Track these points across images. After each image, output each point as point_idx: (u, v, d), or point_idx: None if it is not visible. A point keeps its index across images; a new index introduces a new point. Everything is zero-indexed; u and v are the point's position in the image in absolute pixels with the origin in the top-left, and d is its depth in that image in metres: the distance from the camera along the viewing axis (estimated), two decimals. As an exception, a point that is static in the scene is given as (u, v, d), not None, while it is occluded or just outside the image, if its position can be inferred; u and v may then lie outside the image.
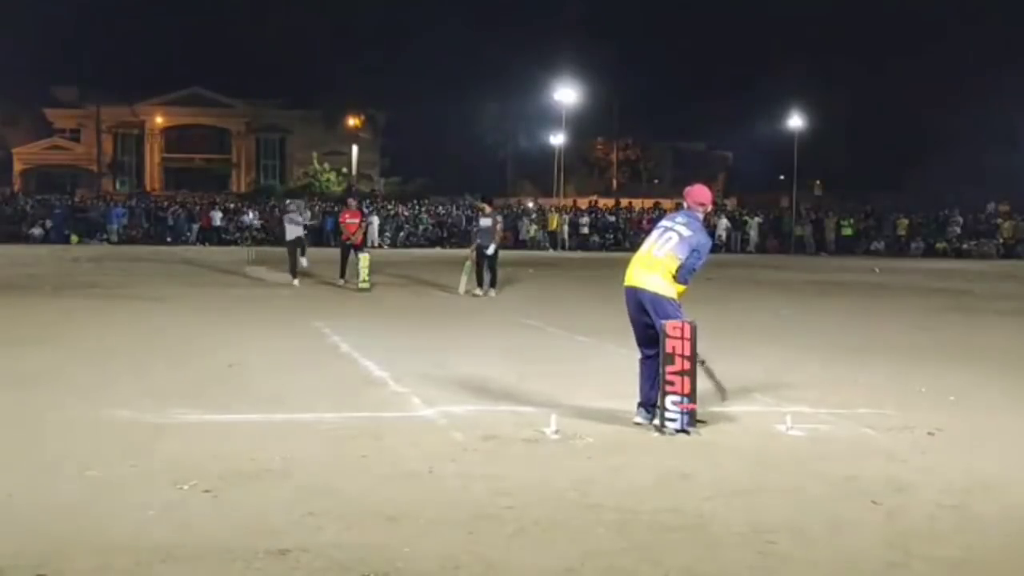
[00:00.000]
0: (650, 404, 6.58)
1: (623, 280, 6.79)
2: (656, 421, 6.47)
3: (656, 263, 6.65)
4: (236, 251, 32.35)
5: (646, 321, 6.60)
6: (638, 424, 6.63)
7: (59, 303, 14.78)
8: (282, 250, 19.31)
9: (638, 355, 6.75)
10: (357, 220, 18.89)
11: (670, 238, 6.70)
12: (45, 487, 5.07)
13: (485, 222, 16.86)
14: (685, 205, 7.03)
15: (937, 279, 23.71)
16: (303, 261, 18.31)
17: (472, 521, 4.60)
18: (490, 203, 18.46)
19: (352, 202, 20.73)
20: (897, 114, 55.14)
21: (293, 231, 18.42)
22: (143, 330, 11.60)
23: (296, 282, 17.81)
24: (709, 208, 7.21)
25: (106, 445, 5.92)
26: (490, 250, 16.53)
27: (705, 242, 6.78)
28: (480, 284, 16.52)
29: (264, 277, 20.03)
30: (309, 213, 18.52)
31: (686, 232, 6.69)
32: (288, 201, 22.87)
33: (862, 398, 7.85)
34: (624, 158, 63.42)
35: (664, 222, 6.95)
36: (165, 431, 6.32)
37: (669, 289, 6.61)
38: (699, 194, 6.96)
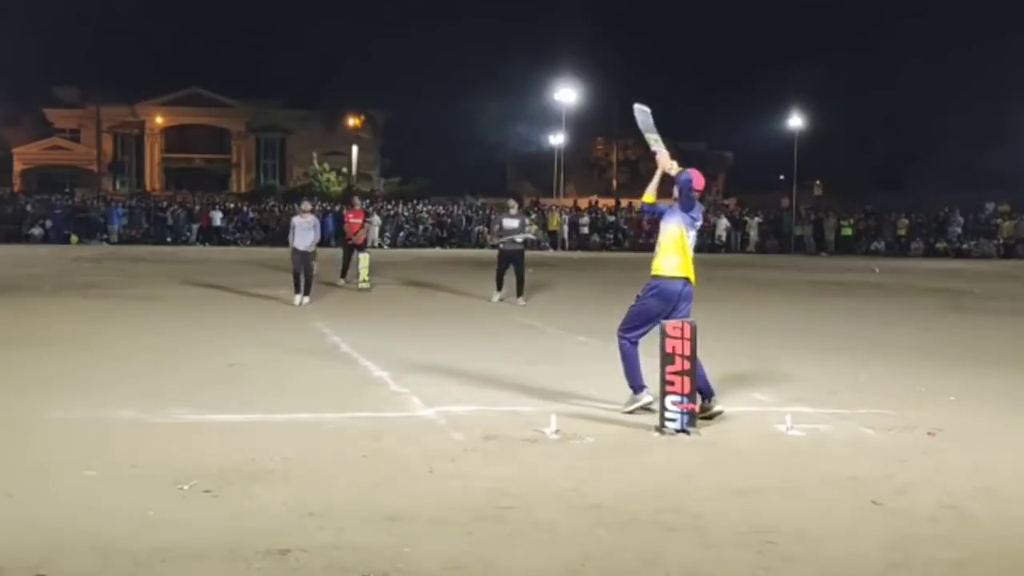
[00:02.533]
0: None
1: (690, 276, 6.88)
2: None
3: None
4: (236, 251, 32.37)
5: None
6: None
7: (59, 303, 14.78)
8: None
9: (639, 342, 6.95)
10: (360, 220, 18.91)
11: (694, 235, 6.97)
12: (45, 487, 5.07)
13: (510, 223, 15.35)
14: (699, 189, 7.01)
15: (937, 279, 23.71)
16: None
17: (472, 521, 4.59)
18: (520, 201, 16.45)
19: (357, 201, 20.69)
20: (897, 114, 55.19)
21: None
22: (143, 330, 11.60)
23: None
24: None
25: (106, 445, 5.92)
26: (519, 238, 15.20)
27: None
28: (499, 288, 15.35)
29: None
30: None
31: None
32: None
33: (862, 398, 7.85)
34: (624, 158, 63.44)
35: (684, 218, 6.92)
36: (165, 431, 6.32)
37: None
38: (697, 181, 6.98)
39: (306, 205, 16.19)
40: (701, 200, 7.19)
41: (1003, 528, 4.70)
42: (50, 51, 53.91)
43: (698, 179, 6.99)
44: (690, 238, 6.91)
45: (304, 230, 14.61)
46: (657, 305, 6.84)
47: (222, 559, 4.08)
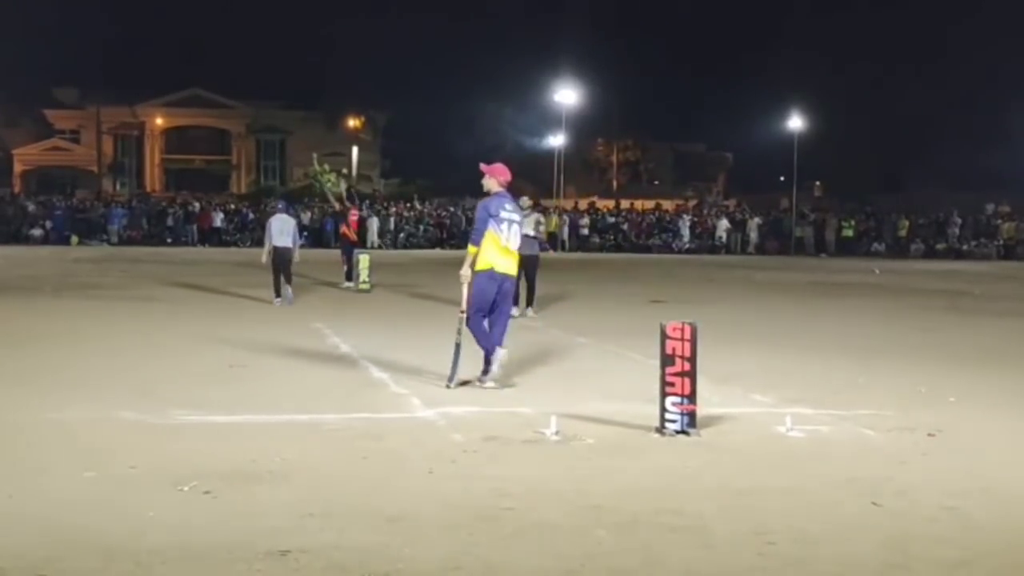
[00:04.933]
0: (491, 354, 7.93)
1: (497, 267, 8.00)
2: None
3: (515, 255, 8.21)
4: (236, 252, 32.36)
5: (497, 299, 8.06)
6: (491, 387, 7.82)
7: (59, 304, 14.78)
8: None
9: (481, 322, 8.02)
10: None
11: (516, 231, 8.11)
12: (45, 488, 5.06)
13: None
14: (498, 183, 8.17)
15: (937, 280, 23.71)
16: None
17: (472, 522, 4.60)
18: (535, 201, 14.81)
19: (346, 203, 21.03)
20: (897, 114, 55.20)
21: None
22: (143, 331, 11.59)
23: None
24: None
25: (106, 446, 5.92)
26: (532, 232, 13.16)
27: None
28: (529, 303, 13.65)
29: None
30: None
31: (519, 218, 8.28)
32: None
33: (862, 399, 7.85)
34: (624, 159, 63.44)
35: (504, 214, 8.03)
36: (165, 432, 6.32)
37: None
38: (507, 171, 8.27)
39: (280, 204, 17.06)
40: (509, 188, 8.31)
41: (1003, 529, 4.70)
42: (50, 52, 54.01)
43: (503, 172, 8.23)
44: (503, 238, 8.01)
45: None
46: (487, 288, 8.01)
47: (222, 560, 4.08)
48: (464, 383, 7.96)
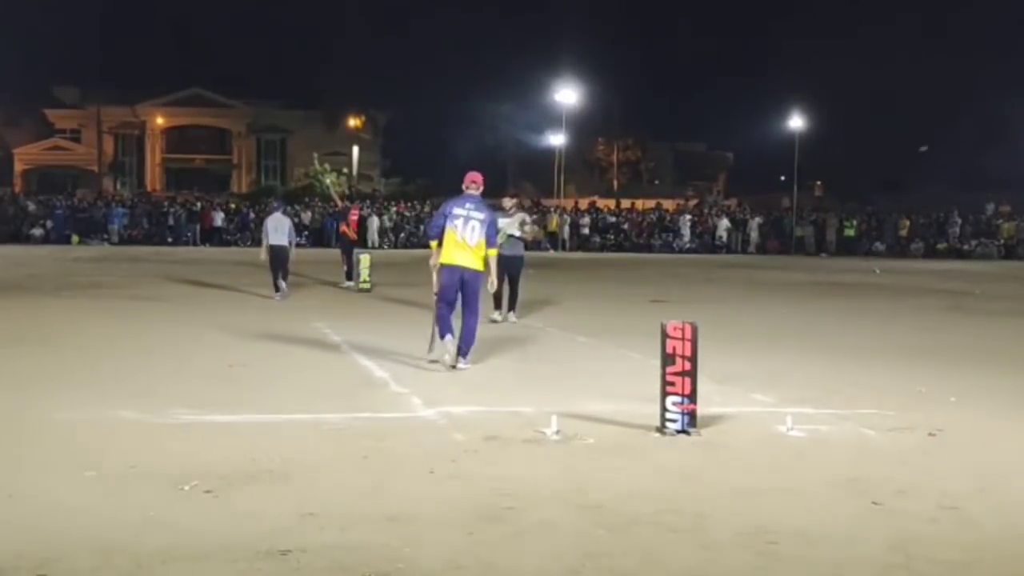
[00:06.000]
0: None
1: (455, 260, 8.80)
2: None
3: (474, 250, 8.86)
4: (236, 252, 32.37)
5: (458, 289, 8.86)
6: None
7: (59, 303, 14.78)
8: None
9: (444, 309, 8.86)
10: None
11: (474, 228, 8.82)
12: (45, 487, 5.06)
13: (505, 223, 12.23)
14: (464, 185, 9.17)
15: (938, 280, 23.71)
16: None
17: (473, 522, 4.60)
18: (518, 201, 14.31)
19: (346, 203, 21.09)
20: (897, 115, 55.18)
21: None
22: (143, 330, 11.60)
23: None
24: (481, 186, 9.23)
25: (106, 445, 5.92)
26: (517, 232, 12.93)
27: (494, 217, 9.29)
28: (498, 306, 12.79)
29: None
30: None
31: (482, 216, 8.92)
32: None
33: (863, 399, 7.85)
34: (624, 159, 63.42)
35: (459, 211, 8.88)
36: (165, 431, 6.32)
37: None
38: (475, 175, 9.16)
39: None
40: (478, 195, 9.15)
41: (1003, 529, 4.70)
42: (50, 51, 54.04)
43: (469, 177, 9.16)
44: (459, 234, 8.82)
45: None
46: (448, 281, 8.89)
47: (222, 559, 4.08)
48: (433, 361, 8.93)
